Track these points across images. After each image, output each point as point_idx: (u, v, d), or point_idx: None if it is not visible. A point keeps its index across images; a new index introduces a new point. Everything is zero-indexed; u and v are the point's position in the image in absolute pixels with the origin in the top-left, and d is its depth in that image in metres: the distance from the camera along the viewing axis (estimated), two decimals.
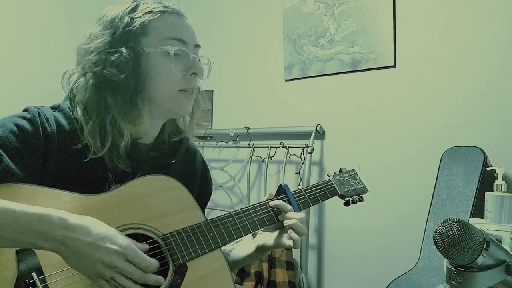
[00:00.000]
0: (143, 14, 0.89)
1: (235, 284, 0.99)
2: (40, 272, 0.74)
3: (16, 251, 0.73)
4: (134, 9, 0.90)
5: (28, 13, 2.23)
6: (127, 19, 0.88)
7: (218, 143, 2.39)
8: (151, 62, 0.88)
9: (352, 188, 1.19)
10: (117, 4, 0.93)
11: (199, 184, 1.10)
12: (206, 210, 1.22)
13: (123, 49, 0.86)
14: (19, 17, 2.20)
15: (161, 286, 0.82)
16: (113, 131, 0.87)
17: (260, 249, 1.04)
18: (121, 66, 0.85)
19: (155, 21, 0.89)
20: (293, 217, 0.99)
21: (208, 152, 2.49)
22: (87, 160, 0.86)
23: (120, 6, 0.91)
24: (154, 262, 0.78)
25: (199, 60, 0.96)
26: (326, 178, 1.20)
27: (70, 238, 0.71)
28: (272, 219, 1.02)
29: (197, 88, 0.96)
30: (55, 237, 0.70)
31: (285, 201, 1.04)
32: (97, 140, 0.86)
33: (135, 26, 0.88)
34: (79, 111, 0.87)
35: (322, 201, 1.12)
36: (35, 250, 0.74)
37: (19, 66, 2.19)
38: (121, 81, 0.86)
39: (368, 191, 1.24)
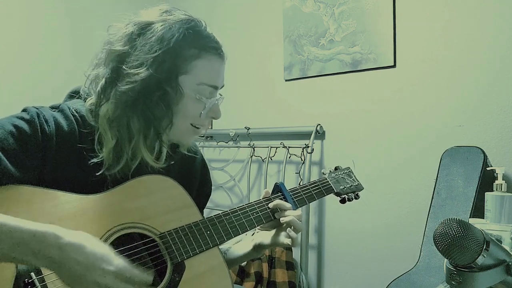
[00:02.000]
0: (191, 48, 0.86)
1: (235, 284, 1.00)
2: (38, 272, 0.74)
3: None
4: (185, 38, 0.85)
5: (28, 13, 2.23)
6: (173, 52, 0.84)
7: (218, 143, 2.39)
8: (184, 102, 0.88)
9: (348, 185, 1.21)
10: (165, 12, 0.88)
11: (198, 184, 1.10)
12: (206, 210, 1.22)
13: (169, 88, 0.85)
14: (19, 17, 2.20)
15: (160, 282, 0.83)
16: (130, 153, 0.88)
17: (257, 247, 1.05)
18: (163, 103, 0.85)
19: (200, 61, 0.88)
20: (290, 215, 0.99)
21: (208, 152, 2.49)
22: (88, 161, 0.86)
23: (168, 26, 0.85)
24: (149, 278, 0.78)
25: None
26: (322, 176, 1.21)
27: (63, 257, 0.70)
28: (269, 216, 1.02)
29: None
30: (48, 256, 0.69)
31: (281, 199, 1.05)
32: (112, 157, 0.87)
33: (180, 61, 0.85)
34: (104, 124, 0.87)
35: (318, 198, 1.13)
36: None
37: (19, 66, 2.19)
38: (158, 115, 0.86)
39: (363, 188, 1.25)
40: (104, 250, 0.74)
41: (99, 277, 0.71)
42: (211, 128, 2.50)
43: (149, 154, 0.89)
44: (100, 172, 0.86)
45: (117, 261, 0.74)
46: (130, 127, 0.87)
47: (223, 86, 0.96)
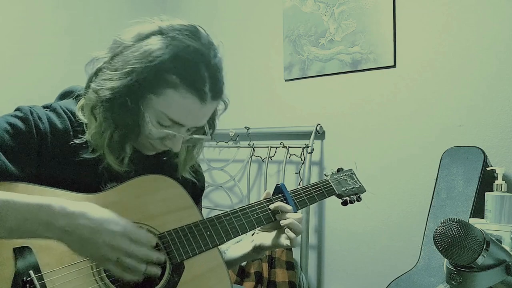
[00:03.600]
0: (172, 74, 0.82)
1: (235, 284, 1.00)
2: (37, 270, 0.74)
3: (14, 249, 0.74)
4: (172, 61, 0.82)
5: (28, 13, 2.23)
6: (153, 70, 0.81)
7: (218, 143, 2.39)
8: (143, 121, 0.85)
9: (350, 187, 1.20)
10: (186, 30, 0.85)
11: (191, 181, 1.09)
12: (205, 210, 1.22)
13: (128, 100, 0.82)
14: (19, 17, 2.20)
15: (159, 282, 0.83)
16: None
17: (257, 249, 1.05)
18: (124, 112, 0.84)
19: (174, 91, 0.83)
20: (290, 217, 0.99)
21: (208, 152, 2.49)
22: (84, 158, 0.86)
23: (167, 43, 0.82)
24: (154, 239, 0.80)
25: (190, 137, 0.92)
26: (324, 177, 1.20)
27: (72, 225, 0.72)
28: (270, 218, 1.02)
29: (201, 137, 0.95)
30: (57, 226, 0.71)
31: (281, 200, 1.04)
32: (98, 140, 0.87)
33: (154, 82, 0.82)
34: (88, 109, 0.87)
35: (320, 200, 1.13)
36: (33, 248, 0.75)
37: (18, 66, 2.19)
38: (123, 123, 0.85)
39: (365, 190, 1.25)
40: (110, 213, 0.77)
41: (108, 237, 0.73)
42: None
43: (110, 154, 0.87)
44: (85, 154, 0.86)
45: (123, 222, 0.77)
46: (102, 120, 0.86)
47: (200, 126, 0.92)
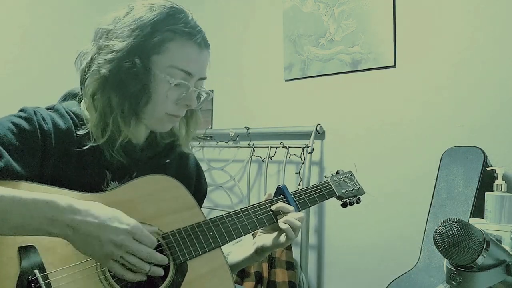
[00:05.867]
0: (166, 31, 0.87)
1: (235, 284, 1.00)
2: (42, 269, 0.74)
3: (18, 248, 0.74)
4: (162, 20, 0.88)
5: (30, 13, 2.23)
6: (148, 29, 0.86)
7: (218, 143, 2.39)
8: (155, 82, 0.88)
9: (349, 189, 1.21)
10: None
11: (194, 185, 1.10)
12: (206, 210, 1.22)
13: (137, 60, 0.86)
14: (22, 17, 2.20)
15: (163, 283, 0.83)
16: (113, 127, 0.88)
17: (260, 250, 1.05)
18: (133, 77, 0.86)
19: (173, 43, 0.88)
20: (292, 217, 1.00)
21: (208, 152, 2.49)
22: (86, 148, 0.86)
23: (150, 7, 0.89)
24: (155, 239, 0.80)
25: (199, 91, 0.96)
26: (324, 179, 1.21)
27: (78, 220, 0.72)
28: (271, 219, 1.03)
29: (196, 105, 0.96)
30: (63, 221, 0.71)
31: (283, 201, 1.05)
32: (99, 130, 0.88)
33: (153, 40, 0.86)
34: (88, 98, 0.88)
35: (320, 201, 1.14)
36: (37, 248, 0.75)
37: (21, 67, 2.19)
38: (131, 91, 0.86)
39: (364, 192, 1.26)
40: (115, 211, 0.77)
41: (113, 235, 0.74)
42: (211, 128, 2.50)
43: (128, 130, 0.89)
44: (88, 146, 0.86)
45: (129, 220, 0.77)
46: (110, 101, 0.87)
47: (204, 78, 0.94)
